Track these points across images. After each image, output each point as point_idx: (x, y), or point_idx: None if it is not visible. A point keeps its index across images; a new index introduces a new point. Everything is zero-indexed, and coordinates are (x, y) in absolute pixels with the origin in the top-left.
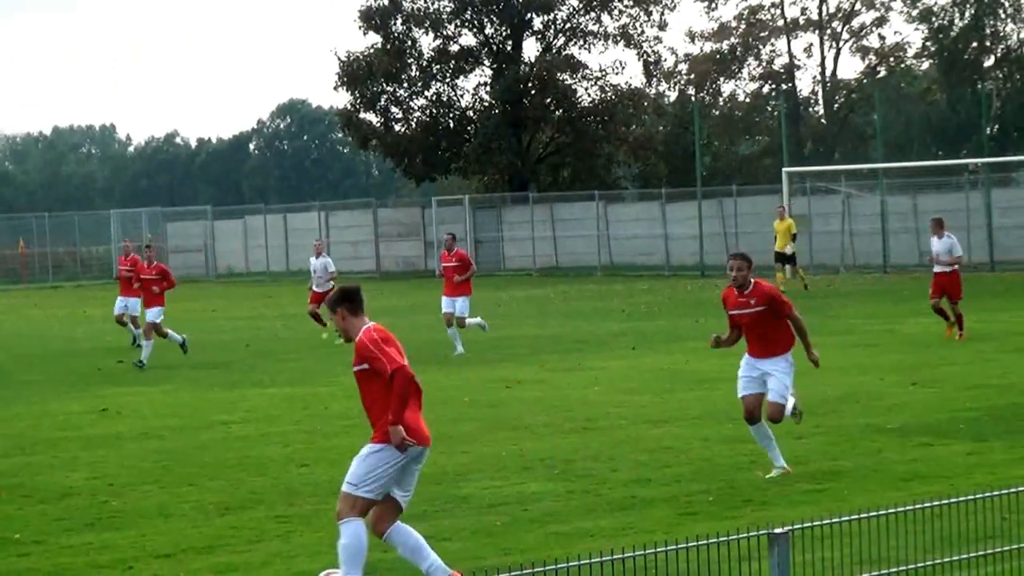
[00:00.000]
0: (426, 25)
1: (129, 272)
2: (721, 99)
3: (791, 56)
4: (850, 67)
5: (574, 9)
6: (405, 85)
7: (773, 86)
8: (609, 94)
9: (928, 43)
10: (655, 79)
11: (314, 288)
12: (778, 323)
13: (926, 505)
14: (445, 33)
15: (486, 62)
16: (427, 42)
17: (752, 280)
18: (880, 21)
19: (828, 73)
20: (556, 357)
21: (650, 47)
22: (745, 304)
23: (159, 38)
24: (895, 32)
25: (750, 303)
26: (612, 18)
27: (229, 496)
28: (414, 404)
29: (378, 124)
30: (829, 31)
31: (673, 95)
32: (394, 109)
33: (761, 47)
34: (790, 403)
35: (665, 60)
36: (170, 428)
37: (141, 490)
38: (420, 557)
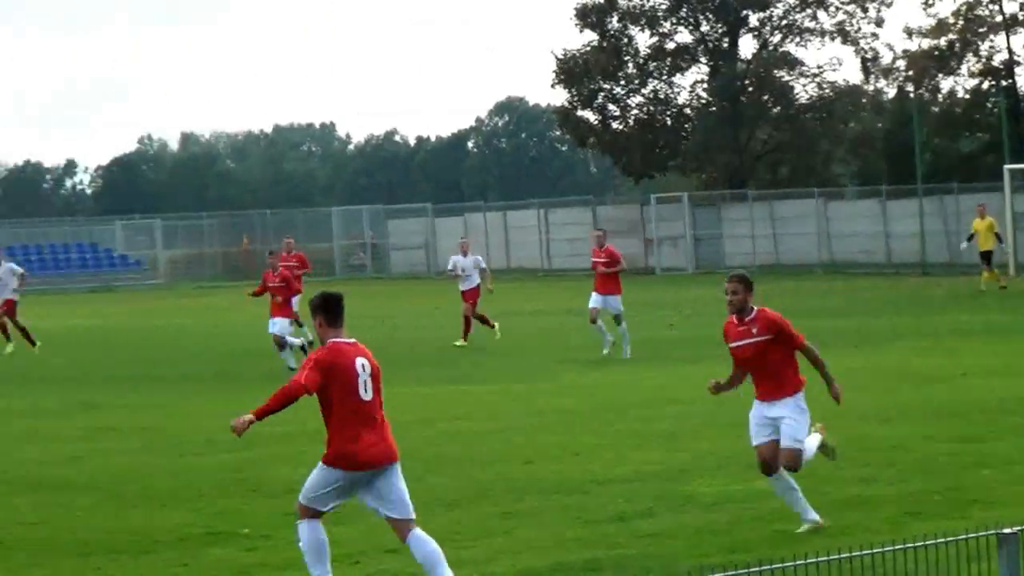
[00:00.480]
0: (642, 23)
1: (297, 271)
2: (940, 95)
3: (1010, 52)
4: None
5: (790, 6)
6: (622, 83)
7: (993, 82)
8: (827, 91)
9: None
10: (872, 76)
11: (462, 288)
12: (785, 357)
13: None
14: (661, 30)
15: (702, 59)
16: (643, 39)
17: (754, 306)
18: None
19: None
20: None
21: (867, 44)
22: (746, 334)
23: (380, 37)
24: None
25: (751, 332)
26: (828, 15)
27: (455, 491)
28: (360, 426)
29: (595, 122)
30: None
31: (891, 92)
32: (611, 107)
33: (980, 43)
34: (814, 441)
35: (882, 57)
36: (396, 423)
37: None
38: (431, 566)
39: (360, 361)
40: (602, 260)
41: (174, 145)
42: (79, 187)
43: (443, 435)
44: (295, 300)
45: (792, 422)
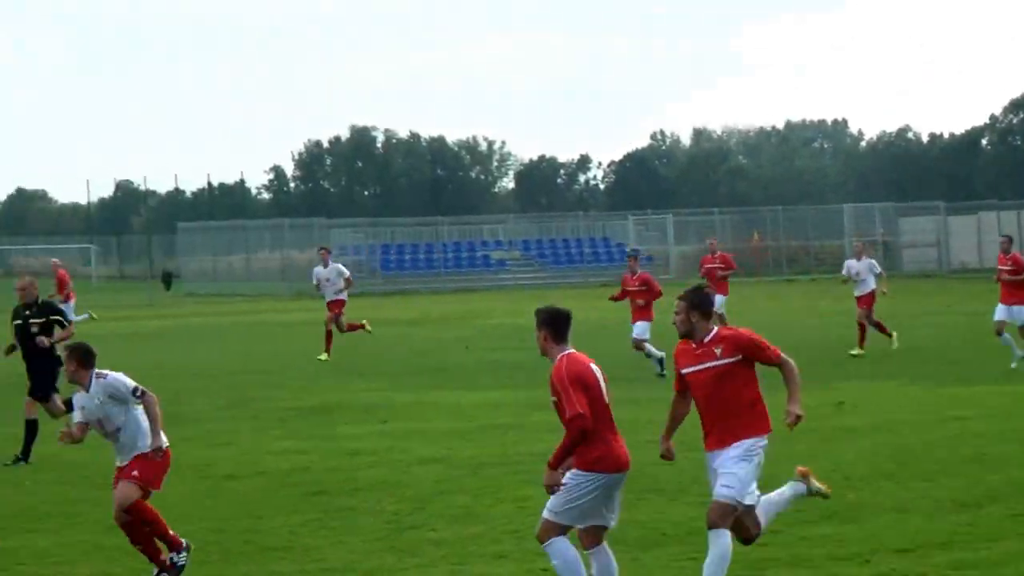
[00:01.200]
0: None
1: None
2: None
3: None
4: None
5: None
6: None
7: None
8: None
9: None
10: None
11: (855, 293)
12: (749, 391)
13: None
14: None
15: None
16: None
17: (712, 326)
18: None
19: None
20: None
21: None
22: (706, 356)
23: (884, 33)
24: None
25: (713, 354)
26: None
27: (965, 493)
28: (607, 430)
29: None
30: None
31: None
32: None
33: None
34: (790, 492)
35: None
36: (904, 423)
37: (876, 484)
38: None
39: (594, 367)
40: (1008, 268)
41: (686, 141)
42: (592, 182)
43: (953, 436)
44: (720, 300)
45: (729, 466)
